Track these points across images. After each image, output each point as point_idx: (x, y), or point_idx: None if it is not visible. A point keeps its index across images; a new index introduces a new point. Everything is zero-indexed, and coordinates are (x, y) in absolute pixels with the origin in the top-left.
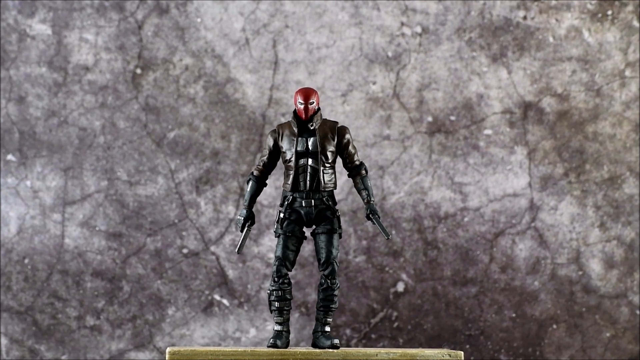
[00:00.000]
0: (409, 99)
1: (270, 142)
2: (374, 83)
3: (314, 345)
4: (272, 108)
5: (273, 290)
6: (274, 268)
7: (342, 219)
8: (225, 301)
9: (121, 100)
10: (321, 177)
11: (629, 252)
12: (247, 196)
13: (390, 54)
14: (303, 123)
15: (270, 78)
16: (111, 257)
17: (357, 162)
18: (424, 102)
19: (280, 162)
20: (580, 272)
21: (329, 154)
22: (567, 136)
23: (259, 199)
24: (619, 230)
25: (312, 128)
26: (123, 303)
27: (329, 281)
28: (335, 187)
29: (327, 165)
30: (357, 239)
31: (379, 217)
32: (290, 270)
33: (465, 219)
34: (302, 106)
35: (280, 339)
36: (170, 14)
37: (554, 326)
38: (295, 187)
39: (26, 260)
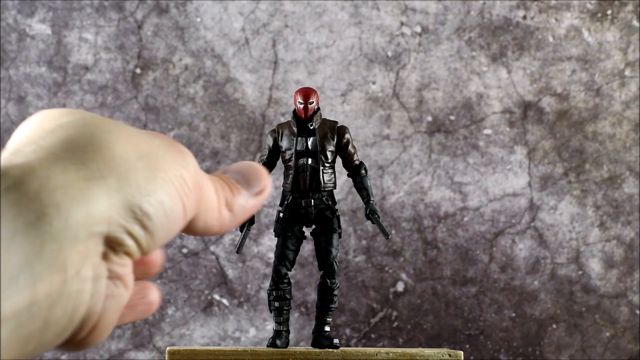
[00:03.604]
0: (409, 99)
1: (269, 141)
2: (374, 83)
3: (314, 345)
4: (271, 108)
5: (272, 290)
6: (274, 268)
7: (342, 219)
8: (225, 301)
9: (121, 100)
10: (321, 177)
11: (629, 252)
12: None
13: (390, 53)
14: (303, 123)
15: (270, 78)
16: None
17: (357, 162)
18: (423, 101)
19: (280, 162)
20: (580, 272)
21: (329, 154)
22: (566, 136)
23: None
24: (618, 230)
25: (311, 128)
26: None
27: (328, 281)
28: (335, 187)
29: (327, 165)
30: (357, 238)
31: (378, 217)
32: (290, 270)
33: (465, 219)
34: (301, 106)
35: (280, 338)
36: (169, 13)
37: (554, 326)
38: (295, 186)
39: None
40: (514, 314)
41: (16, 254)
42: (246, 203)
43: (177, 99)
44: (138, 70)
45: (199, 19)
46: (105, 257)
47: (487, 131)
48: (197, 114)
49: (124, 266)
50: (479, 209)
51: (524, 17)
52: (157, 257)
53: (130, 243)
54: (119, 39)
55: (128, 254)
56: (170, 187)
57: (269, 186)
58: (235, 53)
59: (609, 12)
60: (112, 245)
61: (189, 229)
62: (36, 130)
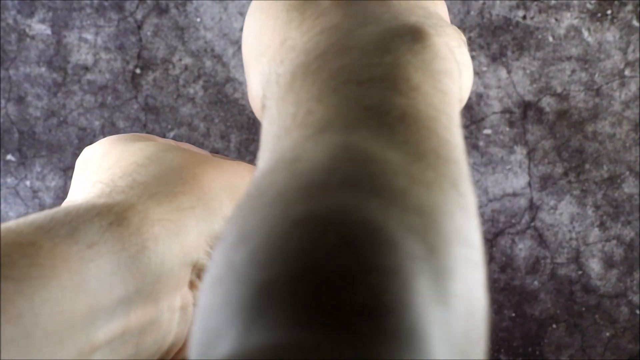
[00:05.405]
0: None
1: None
2: None
3: None
4: None
5: None
6: None
7: None
8: None
9: (120, 100)
10: None
11: (629, 252)
12: None
13: None
14: None
15: None
16: None
17: None
18: None
19: None
20: (580, 272)
21: None
22: (566, 136)
23: None
24: (618, 230)
25: None
26: None
27: None
28: None
29: None
30: None
31: None
32: None
33: None
34: None
35: None
36: (169, 13)
37: (554, 326)
38: None
39: None
40: (513, 314)
41: (117, 287)
42: None
43: (177, 99)
44: (138, 71)
45: (199, 19)
46: (192, 285)
47: (487, 131)
48: (197, 114)
49: None
50: (478, 209)
51: (524, 17)
52: None
53: None
54: (118, 39)
55: None
56: None
57: None
58: (235, 53)
59: (609, 12)
60: (198, 272)
61: None
62: (129, 164)
